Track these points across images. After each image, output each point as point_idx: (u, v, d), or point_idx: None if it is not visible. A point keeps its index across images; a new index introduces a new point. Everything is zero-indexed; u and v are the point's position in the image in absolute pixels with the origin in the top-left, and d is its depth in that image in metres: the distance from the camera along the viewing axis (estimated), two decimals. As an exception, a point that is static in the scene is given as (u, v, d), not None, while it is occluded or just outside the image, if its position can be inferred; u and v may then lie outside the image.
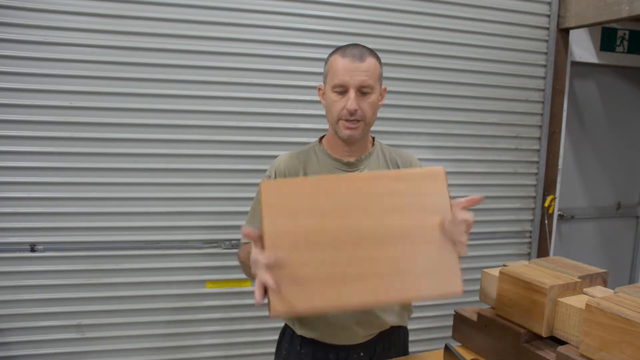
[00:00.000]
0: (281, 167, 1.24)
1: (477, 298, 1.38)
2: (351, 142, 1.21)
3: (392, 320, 1.27)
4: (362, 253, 0.94)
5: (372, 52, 1.18)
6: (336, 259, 0.93)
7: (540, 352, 1.10)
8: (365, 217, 0.95)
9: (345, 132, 1.17)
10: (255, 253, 0.90)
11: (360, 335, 1.23)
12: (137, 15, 1.89)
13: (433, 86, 2.28)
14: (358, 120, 1.15)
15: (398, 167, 1.28)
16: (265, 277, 0.86)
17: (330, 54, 1.20)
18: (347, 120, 1.15)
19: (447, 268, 0.95)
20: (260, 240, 0.92)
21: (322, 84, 1.24)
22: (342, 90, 1.15)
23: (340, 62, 1.14)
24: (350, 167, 1.24)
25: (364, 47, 1.18)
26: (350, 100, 1.13)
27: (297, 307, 0.91)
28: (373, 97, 1.16)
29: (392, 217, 0.95)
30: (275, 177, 1.24)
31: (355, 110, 1.14)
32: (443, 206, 0.96)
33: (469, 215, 0.93)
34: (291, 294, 0.91)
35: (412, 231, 0.95)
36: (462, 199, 0.95)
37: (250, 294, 2.13)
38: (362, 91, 1.14)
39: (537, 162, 2.54)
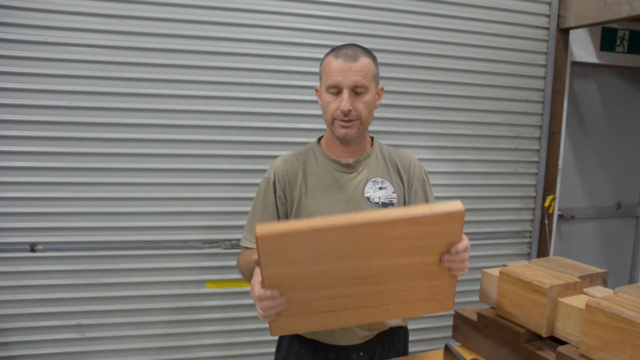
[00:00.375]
0: (280, 169, 1.24)
1: (477, 298, 1.38)
2: (348, 142, 1.20)
3: (392, 320, 1.27)
4: (363, 289, 0.93)
5: (367, 52, 1.18)
6: (336, 295, 0.93)
7: (540, 352, 1.10)
8: (370, 260, 0.90)
9: (341, 131, 1.16)
10: (255, 281, 0.93)
11: (360, 335, 1.23)
12: (138, 15, 1.89)
13: (433, 86, 2.28)
14: (352, 120, 1.15)
15: (397, 167, 1.27)
16: (259, 311, 0.92)
17: (325, 55, 1.20)
18: (341, 120, 1.15)
19: (443, 294, 0.98)
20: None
21: (319, 85, 1.24)
22: (336, 91, 1.14)
23: (334, 63, 1.14)
24: (349, 168, 1.24)
25: (358, 46, 1.18)
26: (344, 101, 1.13)
27: (296, 331, 0.95)
28: (368, 97, 1.16)
29: (399, 258, 0.91)
30: (275, 178, 1.23)
31: (350, 111, 1.13)
32: (453, 244, 0.93)
33: (464, 245, 0.94)
34: (290, 322, 0.94)
35: (417, 268, 0.94)
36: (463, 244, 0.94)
37: (250, 293, 2.13)
38: (356, 91, 1.14)
39: (537, 162, 2.54)
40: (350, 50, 1.15)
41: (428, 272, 0.95)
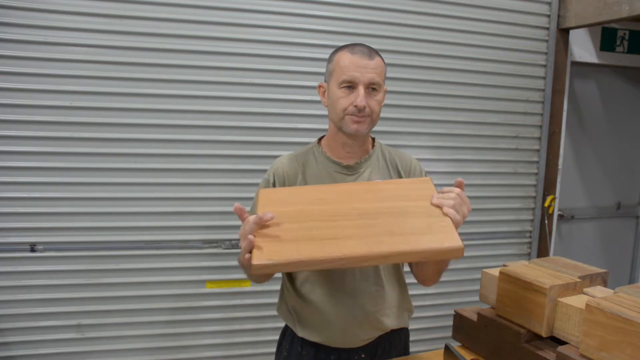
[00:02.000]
0: (280, 170, 1.23)
1: (477, 298, 1.38)
2: (353, 139, 1.19)
3: (392, 323, 1.26)
4: (353, 222, 0.95)
5: (378, 52, 1.19)
6: (325, 227, 0.94)
7: (540, 352, 1.10)
8: (357, 203, 1.00)
9: (353, 127, 1.14)
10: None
11: (361, 338, 1.23)
12: (138, 15, 1.89)
13: (433, 86, 2.29)
14: (366, 116, 1.14)
15: (397, 168, 1.27)
16: (249, 233, 0.92)
17: (336, 51, 1.19)
18: (354, 115, 1.14)
19: (442, 229, 0.92)
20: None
21: (322, 82, 1.24)
22: (350, 86, 1.13)
23: (349, 58, 1.14)
24: (350, 170, 1.22)
25: (370, 46, 1.19)
26: (360, 97, 1.12)
27: (280, 258, 0.87)
28: (380, 96, 1.17)
29: (386, 201, 1.00)
30: (274, 180, 1.22)
31: (364, 107, 1.13)
32: (430, 207, 0.99)
33: (453, 187, 1.01)
34: (276, 248, 0.89)
35: (406, 209, 0.98)
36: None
37: (250, 293, 2.13)
38: (371, 87, 1.14)
39: (537, 162, 2.54)
40: (365, 48, 1.16)
41: (419, 211, 0.97)
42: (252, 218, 0.94)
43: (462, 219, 0.97)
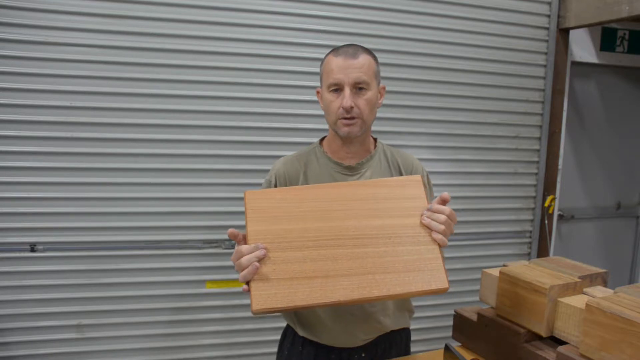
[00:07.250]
0: (281, 171, 1.23)
1: (477, 298, 1.38)
2: (351, 141, 1.19)
3: (392, 323, 1.27)
4: (345, 251, 0.96)
5: (367, 50, 1.18)
6: (319, 257, 0.95)
7: (540, 352, 1.10)
8: (347, 220, 0.99)
9: (344, 130, 1.15)
10: (238, 246, 0.95)
11: (361, 338, 1.23)
12: (137, 15, 1.89)
13: (433, 86, 2.29)
14: (355, 117, 1.14)
15: (399, 169, 1.26)
16: (243, 272, 0.91)
17: (325, 55, 1.20)
18: (344, 118, 1.14)
19: (430, 264, 0.97)
20: (244, 241, 0.97)
21: (319, 86, 1.24)
22: (338, 89, 1.14)
23: (334, 61, 1.14)
24: (351, 170, 1.22)
25: (358, 45, 1.18)
26: (346, 98, 1.12)
27: (279, 304, 0.91)
28: (369, 94, 1.15)
29: (374, 219, 1.00)
30: (276, 181, 1.23)
31: (351, 108, 1.12)
32: (422, 209, 1.01)
33: (444, 207, 0.98)
34: (273, 291, 0.92)
35: (393, 230, 0.99)
36: (436, 198, 1.01)
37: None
38: (358, 87, 1.13)
39: (537, 162, 2.54)
40: (350, 48, 1.15)
41: (407, 235, 0.99)
42: (250, 250, 0.93)
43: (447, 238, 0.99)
